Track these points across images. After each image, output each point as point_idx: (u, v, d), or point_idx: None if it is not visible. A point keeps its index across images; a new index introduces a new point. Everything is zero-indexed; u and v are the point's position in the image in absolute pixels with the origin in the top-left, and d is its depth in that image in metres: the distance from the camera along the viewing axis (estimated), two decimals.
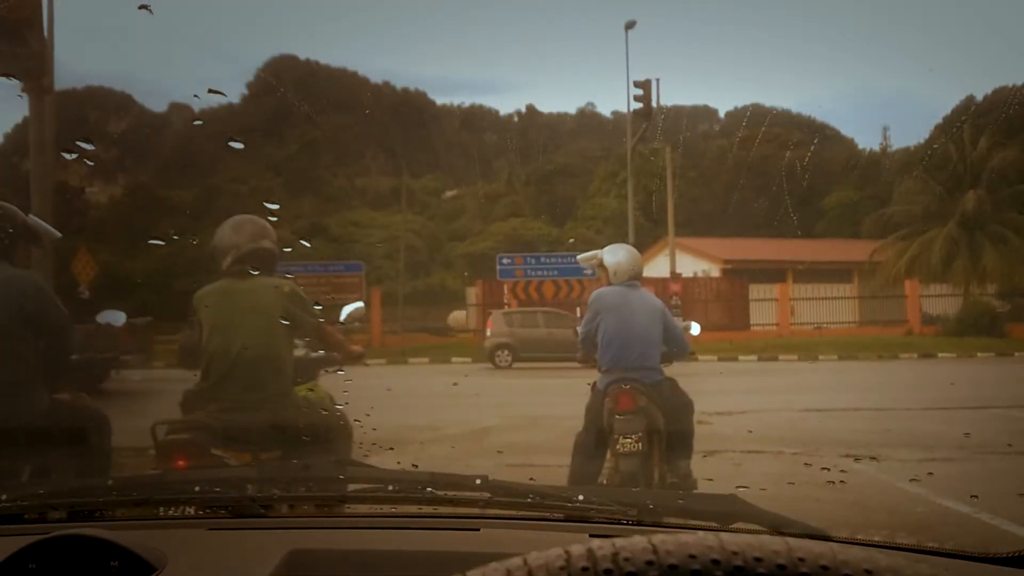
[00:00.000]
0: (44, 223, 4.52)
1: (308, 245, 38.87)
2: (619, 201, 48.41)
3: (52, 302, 4.27)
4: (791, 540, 0.70)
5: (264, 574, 1.45)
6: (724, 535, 0.70)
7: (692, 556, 0.67)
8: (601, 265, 6.16)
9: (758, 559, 0.67)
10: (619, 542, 0.70)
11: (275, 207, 5.66)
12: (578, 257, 6.76)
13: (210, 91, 4.22)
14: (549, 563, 0.68)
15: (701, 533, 0.70)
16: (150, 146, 79.80)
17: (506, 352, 25.80)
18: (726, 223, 50.87)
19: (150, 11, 4.43)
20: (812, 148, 54.59)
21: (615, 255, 6.13)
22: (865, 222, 42.50)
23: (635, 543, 0.69)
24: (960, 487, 7.16)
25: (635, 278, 6.12)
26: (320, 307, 4.39)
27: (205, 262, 4.73)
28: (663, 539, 0.69)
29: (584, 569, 0.67)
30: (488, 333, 26.72)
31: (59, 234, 4.88)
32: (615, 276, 6.06)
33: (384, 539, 1.71)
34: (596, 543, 0.70)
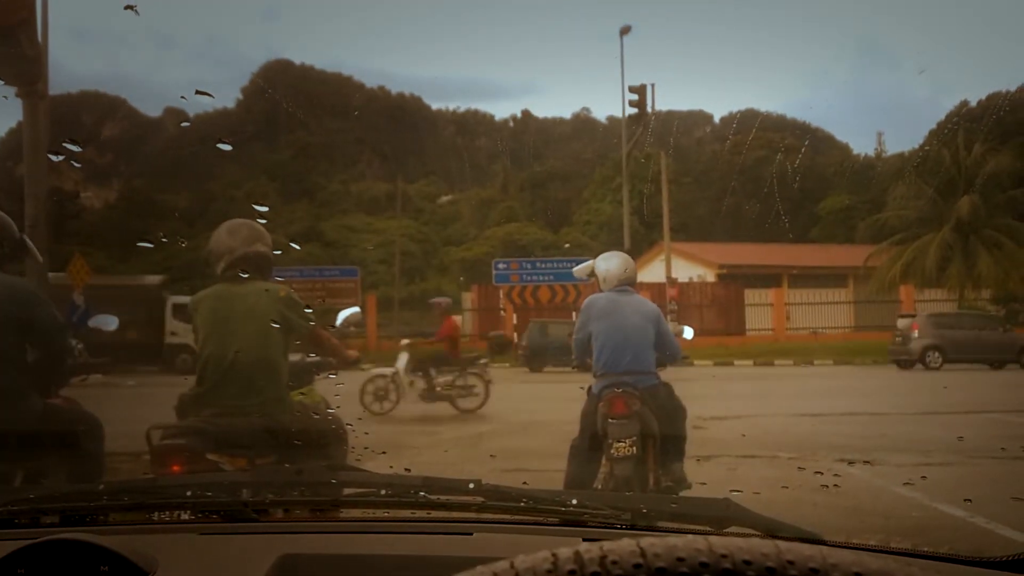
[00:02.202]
0: (31, 244, 4.51)
1: (298, 248, 38.88)
2: (614, 206, 48.50)
3: (45, 308, 4.26)
4: (781, 543, 0.69)
5: None
6: (713, 538, 0.69)
7: (680, 559, 0.67)
8: (594, 273, 6.22)
9: (747, 562, 0.66)
10: (607, 545, 0.69)
11: (264, 209, 5.65)
12: (574, 270, 6.82)
13: (198, 92, 4.18)
14: (536, 566, 0.68)
15: (690, 536, 0.70)
16: (145, 150, 79.79)
17: (936, 354, 26.04)
18: (721, 228, 51.00)
19: (135, 11, 4.41)
20: (807, 153, 54.74)
21: (607, 262, 6.20)
22: (860, 227, 42.65)
23: (623, 546, 0.69)
24: (954, 491, 7.17)
25: (626, 283, 6.13)
26: (311, 310, 4.38)
27: (200, 266, 4.73)
28: (651, 542, 0.69)
29: (571, 572, 0.67)
30: (915, 335, 26.79)
31: (41, 259, 4.87)
32: (604, 283, 6.11)
33: (377, 543, 1.70)
34: (584, 546, 0.70)
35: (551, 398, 15.38)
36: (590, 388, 5.97)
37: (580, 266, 6.61)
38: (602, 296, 6.09)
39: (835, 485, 7.37)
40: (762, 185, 41.93)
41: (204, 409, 4.05)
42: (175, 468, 3.77)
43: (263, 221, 4.54)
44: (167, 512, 1.96)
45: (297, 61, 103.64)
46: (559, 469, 5.84)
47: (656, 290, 30.68)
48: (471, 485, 1.93)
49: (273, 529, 1.84)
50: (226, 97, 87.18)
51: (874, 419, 13.17)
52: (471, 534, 1.72)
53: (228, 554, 1.64)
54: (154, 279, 30.89)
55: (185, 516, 1.94)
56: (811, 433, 11.46)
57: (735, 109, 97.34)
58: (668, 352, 6.11)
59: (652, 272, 37.35)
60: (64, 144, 4.19)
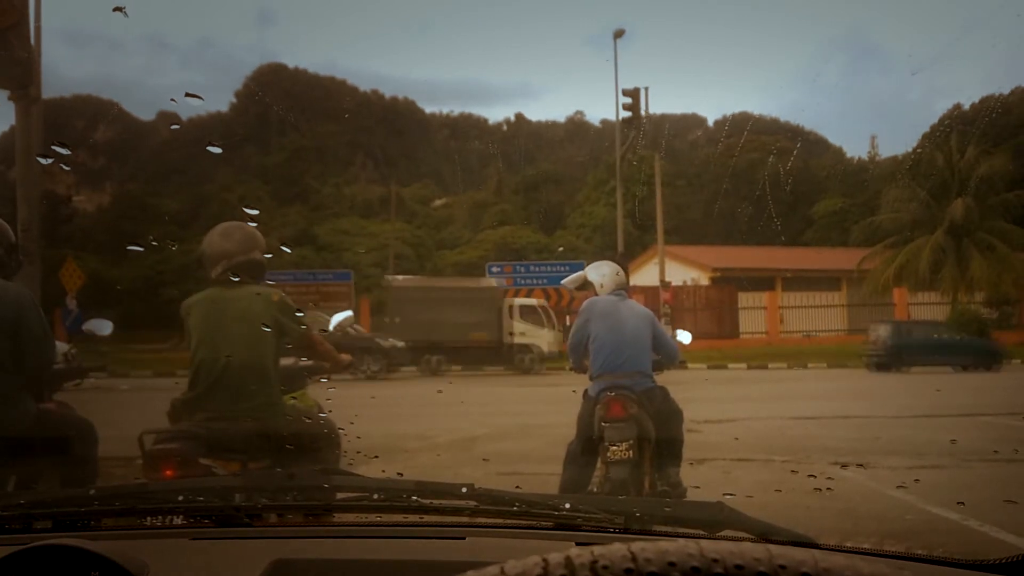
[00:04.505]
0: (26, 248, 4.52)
1: (289, 251, 38.89)
2: (608, 209, 48.54)
3: (34, 312, 4.24)
4: (773, 548, 0.69)
5: None
6: (705, 543, 0.69)
7: (672, 564, 0.66)
8: (587, 283, 6.23)
9: (739, 567, 0.66)
10: (598, 550, 0.69)
11: (255, 213, 5.61)
12: (564, 282, 6.85)
13: (188, 95, 4.18)
14: (527, 571, 0.68)
15: (682, 541, 0.70)
16: (138, 154, 79.69)
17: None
18: (715, 231, 51.04)
19: (124, 13, 4.41)
20: (800, 156, 54.85)
21: (599, 270, 6.22)
22: (854, 230, 42.67)
23: (614, 551, 0.68)
24: (948, 494, 7.18)
25: (621, 289, 6.15)
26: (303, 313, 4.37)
27: (193, 270, 4.75)
28: (642, 547, 0.69)
29: None
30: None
31: (35, 263, 4.87)
32: (602, 288, 6.13)
33: (370, 548, 1.70)
34: (575, 551, 0.69)
35: (546, 401, 15.36)
36: (586, 391, 5.96)
37: (570, 278, 6.63)
38: (603, 299, 6.09)
39: (828, 488, 7.37)
40: (755, 188, 42.05)
41: (197, 413, 4.04)
42: (168, 473, 3.76)
43: (254, 224, 4.53)
44: (159, 517, 1.95)
45: (290, 65, 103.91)
46: (553, 473, 5.84)
47: (650, 293, 30.70)
48: (464, 489, 1.93)
49: (266, 534, 1.83)
50: (220, 101, 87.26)
51: (867, 422, 13.18)
52: (464, 538, 1.71)
53: (220, 559, 1.63)
54: (491, 281, 31.49)
55: (177, 521, 1.93)
56: (804, 436, 11.47)
57: (728, 112, 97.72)
58: (665, 355, 6.12)
59: (646, 275, 37.38)
60: (56, 148, 4.18)
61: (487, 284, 30.93)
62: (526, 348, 27.87)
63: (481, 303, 28.18)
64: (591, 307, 6.11)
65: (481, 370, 26.77)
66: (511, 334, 28.13)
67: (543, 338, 28.16)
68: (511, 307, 28.58)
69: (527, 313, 28.54)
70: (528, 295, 31.33)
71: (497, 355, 27.16)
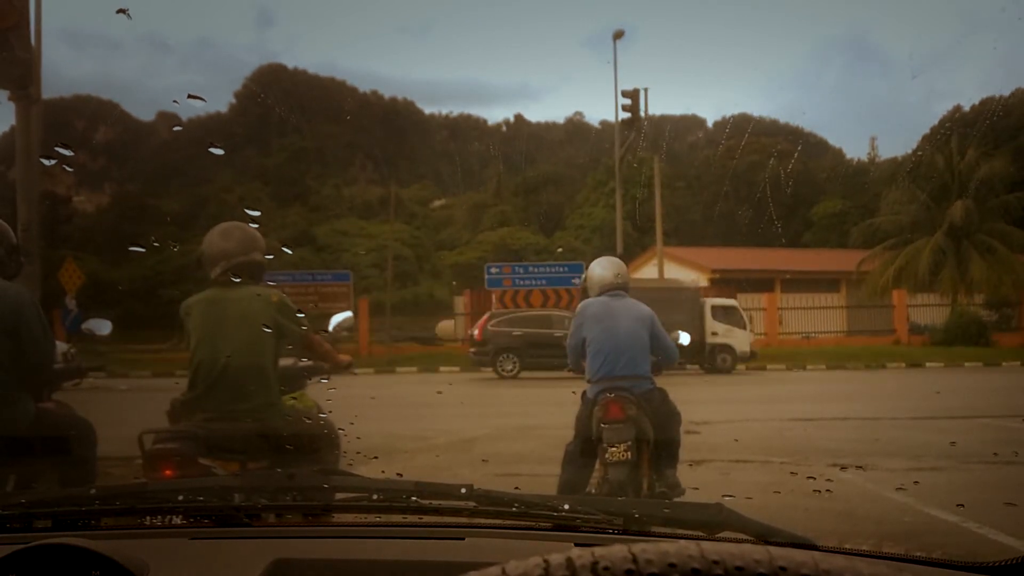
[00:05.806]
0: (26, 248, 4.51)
1: (289, 252, 38.89)
2: (607, 210, 48.56)
3: (34, 312, 4.24)
4: (773, 549, 0.69)
5: None
6: (705, 544, 0.69)
7: (672, 565, 0.66)
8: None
9: (739, 568, 0.66)
10: (599, 551, 0.69)
11: (256, 214, 5.63)
12: (574, 280, 6.87)
13: (190, 96, 4.20)
14: (527, 572, 0.68)
15: (682, 542, 0.70)
16: (138, 155, 79.66)
17: None
18: (714, 232, 51.05)
19: (128, 15, 4.43)
20: (799, 158, 54.86)
21: (599, 266, 6.19)
22: (853, 232, 42.66)
23: (615, 552, 0.69)
24: (947, 496, 7.18)
25: (618, 288, 6.12)
26: (303, 314, 4.37)
27: (193, 270, 4.75)
28: (643, 548, 0.69)
29: None
30: None
31: (35, 264, 4.87)
32: (599, 287, 6.10)
33: (369, 548, 1.70)
34: (575, 552, 0.69)
35: (544, 402, 15.35)
36: (584, 393, 5.95)
37: (584, 275, 6.64)
38: (596, 300, 6.08)
39: (827, 490, 7.37)
40: (755, 190, 42.07)
41: (196, 414, 4.04)
42: (167, 472, 3.76)
43: (255, 225, 4.53)
44: (159, 517, 1.95)
45: (290, 65, 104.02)
46: (552, 474, 5.83)
47: None
48: (463, 490, 1.93)
49: (265, 534, 1.83)
50: (219, 101, 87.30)
51: (867, 424, 13.18)
52: (463, 539, 1.71)
53: (220, 559, 1.63)
54: (691, 282, 31.52)
55: (177, 521, 1.93)
56: (804, 438, 11.46)
57: (728, 114, 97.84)
58: (664, 355, 6.10)
59: (645, 276, 37.33)
60: (57, 148, 4.18)
61: (688, 285, 30.74)
62: (725, 348, 27.72)
63: (683, 303, 27.77)
64: (585, 309, 6.08)
65: (684, 370, 26.43)
66: (714, 333, 27.98)
67: (739, 338, 27.98)
68: (709, 307, 28.47)
69: (724, 313, 28.40)
70: (526, 296, 31.21)
71: (699, 355, 26.95)
